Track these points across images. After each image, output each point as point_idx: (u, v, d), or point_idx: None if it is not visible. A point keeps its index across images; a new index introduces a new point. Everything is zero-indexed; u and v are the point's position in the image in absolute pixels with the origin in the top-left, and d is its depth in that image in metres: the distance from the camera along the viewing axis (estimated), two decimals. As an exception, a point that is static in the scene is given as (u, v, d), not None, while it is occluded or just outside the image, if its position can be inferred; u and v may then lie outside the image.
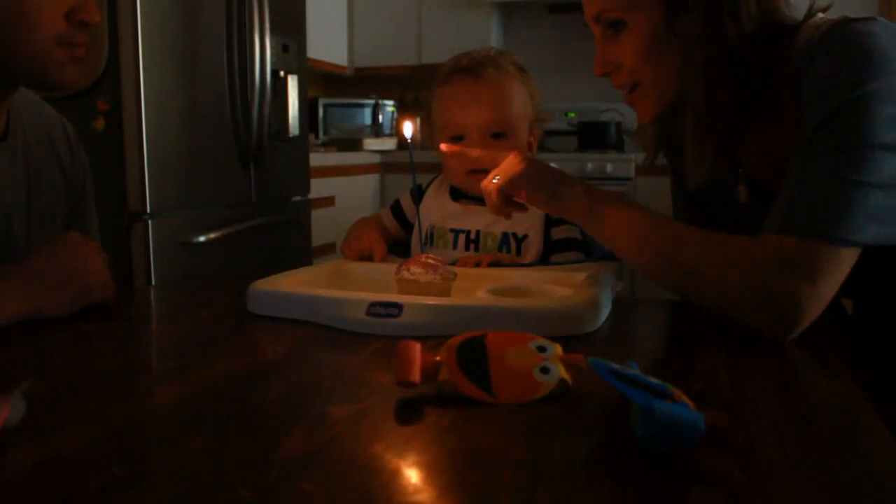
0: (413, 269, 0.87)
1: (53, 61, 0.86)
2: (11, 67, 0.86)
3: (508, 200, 0.89)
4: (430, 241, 1.13)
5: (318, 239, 2.71)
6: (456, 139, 1.10)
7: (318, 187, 2.73)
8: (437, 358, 0.59)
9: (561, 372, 0.59)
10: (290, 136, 2.39)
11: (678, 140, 0.91)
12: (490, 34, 3.66)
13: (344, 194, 3.09)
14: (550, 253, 1.10)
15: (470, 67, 1.10)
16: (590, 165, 3.23)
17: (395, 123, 3.87)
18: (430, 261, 0.88)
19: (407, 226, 1.20)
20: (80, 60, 0.88)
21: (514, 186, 0.87)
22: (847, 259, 0.74)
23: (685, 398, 0.50)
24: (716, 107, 0.83)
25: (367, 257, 1.08)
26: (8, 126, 0.97)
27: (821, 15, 0.84)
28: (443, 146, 1.03)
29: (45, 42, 0.84)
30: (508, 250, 1.10)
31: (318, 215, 2.72)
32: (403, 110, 3.92)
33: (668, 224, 0.82)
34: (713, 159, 0.86)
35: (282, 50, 2.35)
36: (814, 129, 0.77)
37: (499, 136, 1.09)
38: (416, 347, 0.58)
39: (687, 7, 0.81)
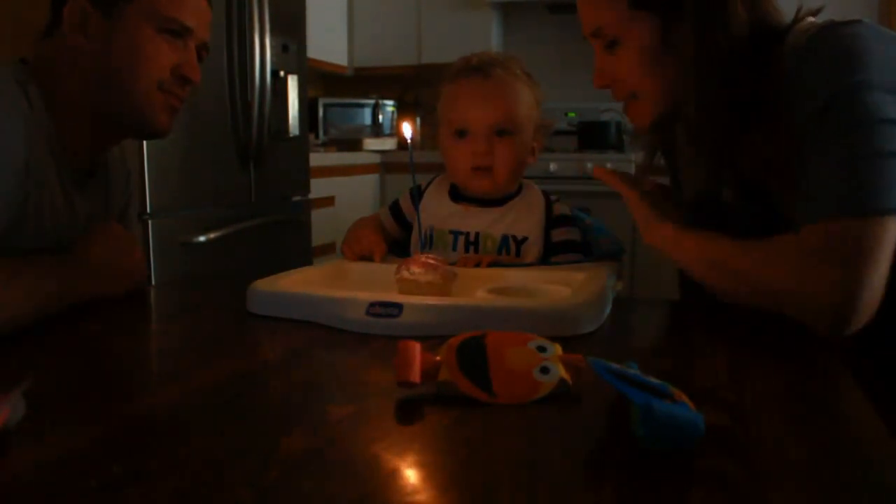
0: (413, 268, 0.87)
1: (151, 104, 0.97)
2: (114, 106, 0.96)
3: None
4: (429, 242, 1.13)
5: (318, 239, 2.71)
6: (460, 134, 1.10)
7: (318, 187, 2.73)
8: (437, 358, 0.59)
9: (561, 372, 0.59)
10: (290, 135, 2.39)
11: (674, 146, 0.93)
12: (490, 34, 3.66)
13: (344, 194, 3.08)
14: (550, 255, 1.10)
15: (479, 66, 1.10)
16: (590, 165, 3.22)
17: (395, 123, 3.87)
18: (430, 261, 0.88)
19: (406, 226, 1.20)
20: (174, 110, 1.00)
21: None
22: (890, 230, 0.74)
23: (685, 398, 0.51)
24: (709, 118, 0.85)
25: (368, 257, 1.09)
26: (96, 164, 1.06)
27: (810, 19, 0.86)
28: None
29: (148, 85, 0.96)
30: (508, 252, 1.09)
31: (318, 215, 2.71)
32: (403, 110, 3.91)
33: (717, 239, 0.85)
34: (710, 168, 0.87)
35: (282, 50, 2.35)
36: (807, 119, 0.78)
37: (503, 133, 1.09)
38: (416, 347, 0.58)
39: (680, 21, 0.82)
